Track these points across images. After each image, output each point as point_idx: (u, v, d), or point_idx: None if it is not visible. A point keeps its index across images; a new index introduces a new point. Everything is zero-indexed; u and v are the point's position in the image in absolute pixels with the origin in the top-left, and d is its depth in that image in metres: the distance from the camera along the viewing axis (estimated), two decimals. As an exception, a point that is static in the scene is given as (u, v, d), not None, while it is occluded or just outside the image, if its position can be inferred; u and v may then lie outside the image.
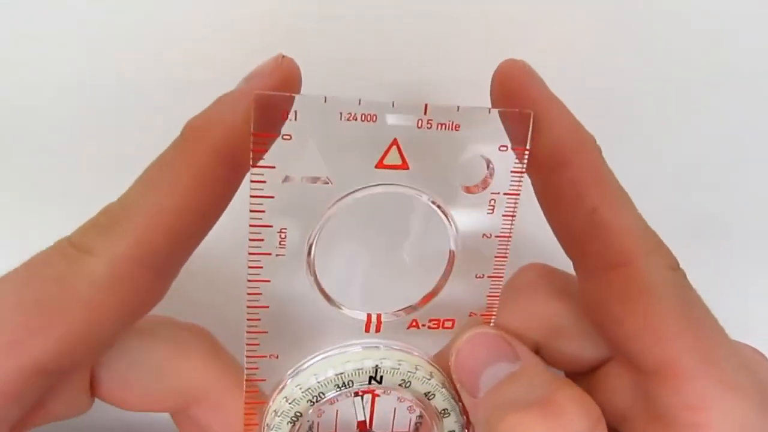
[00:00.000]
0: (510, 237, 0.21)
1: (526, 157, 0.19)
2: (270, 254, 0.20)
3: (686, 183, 0.31)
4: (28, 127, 0.24)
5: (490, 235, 0.20)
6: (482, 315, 0.21)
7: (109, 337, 0.20)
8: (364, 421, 0.22)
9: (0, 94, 0.27)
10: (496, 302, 0.21)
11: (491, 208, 0.20)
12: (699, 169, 0.31)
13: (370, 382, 0.20)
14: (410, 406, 0.22)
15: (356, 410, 0.21)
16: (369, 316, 0.21)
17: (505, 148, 0.19)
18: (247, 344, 0.21)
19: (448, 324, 0.22)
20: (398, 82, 0.27)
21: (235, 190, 0.20)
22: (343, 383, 0.20)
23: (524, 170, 0.20)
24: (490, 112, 0.19)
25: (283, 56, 0.19)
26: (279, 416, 0.21)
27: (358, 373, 0.20)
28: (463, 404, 0.22)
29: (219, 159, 0.19)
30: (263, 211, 0.19)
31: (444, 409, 0.21)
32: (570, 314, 0.23)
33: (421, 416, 0.22)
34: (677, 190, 0.30)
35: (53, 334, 0.18)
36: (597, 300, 0.21)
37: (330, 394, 0.21)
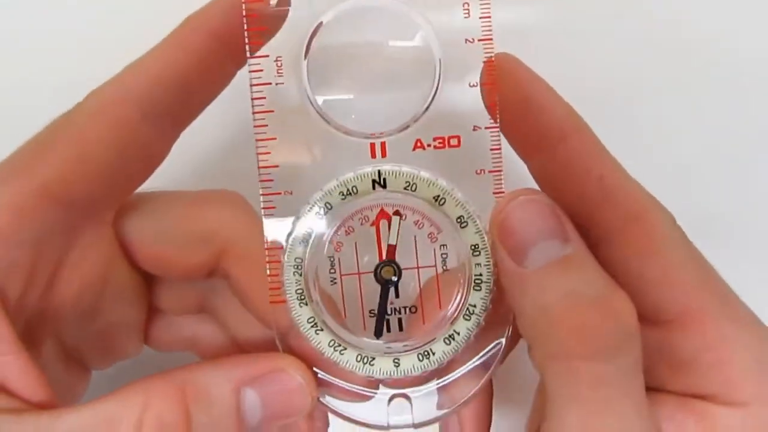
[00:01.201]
0: (492, 40, 0.21)
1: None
2: (270, 83, 0.21)
3: (686, 183, 0.33)
4: (28, 128, 0.27)
5: (473, 40, 0.21)
6: (486, 128, 0.22)
7: (111, 172, 0.22)
8: (390, 246, 0.22)
9: (0, 95, 0.30)
10: (496, 113, 0.22)
11: (466, 11, 0.21)
12: (699, 169, 0.33)
13: (374, 187, 0.21)
14: (431, 233, 0.22)
15: (378, 237, 0.21)
16: (372, 136, 0.22)
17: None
18: (261, 180, 0.22)
19: (453, 141, 0.22)
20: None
21: (230, 64, 0.23)
22: (348, 190, 0.21)
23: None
24: None
25: None
26: (291, 237, 0.21)
27: (361, 178, 0.21)
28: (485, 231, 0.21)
29: (210, 35, 0.22)
30: (261, 43, 0.21)
31: (459, 217, 0.21)
32: None
33: (445, 247, 0.22)
34: (677, 190, 0.31)
35: (54, 157, 0.21)
36: (614, 261, 0.22)
37: (336, 206, 0.21)
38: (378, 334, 0.22)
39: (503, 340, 0.22)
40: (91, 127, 0.22)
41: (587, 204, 0.22)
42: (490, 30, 0.21)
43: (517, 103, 0.22)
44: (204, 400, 0.21)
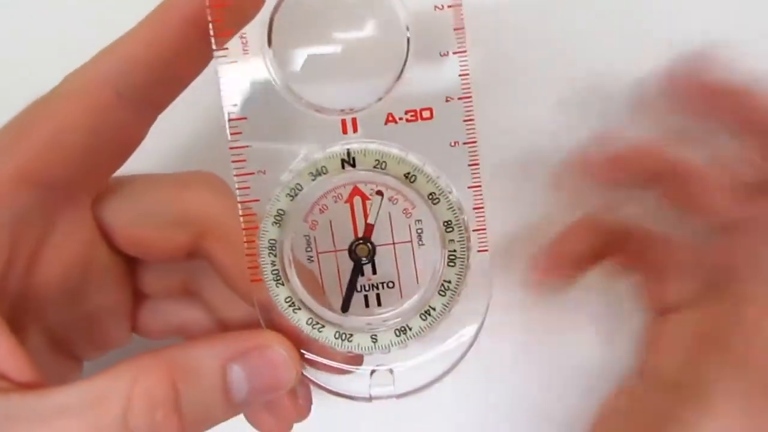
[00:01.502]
0: (461, 6, 0.20)
1: None
2: (236, 61, 0.21)
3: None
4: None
5: (443, 7, 0.21)
6: (459, 98, 0.21)
7: (88, 156, 0.22)
8: (369, 225, 0.22)
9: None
10: (468, 83, 0.21)
11: (434, -23, 0.20)
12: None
13: (343, 167, 0.21)
14: (405, 209, 0.22)
15: (351, 216, 0.21)
16: (343, 112, 0.21)
17: None
18: (233, 161, 0.21)
19: (426, 114, 0.21)
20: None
21: (207, 47, 0.21)
22: (317, 170, 0.21)
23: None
24: None
25: None
26: (264, 218, 0.21)
27: (330, 158, 0.21)
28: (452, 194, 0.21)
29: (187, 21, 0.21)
30: (221, 20, 0.21)
31: (431, 194, 0.21)
32: None
33: (420, 222, 0.22)
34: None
35: (31, 142, 0.21)
36: None
37: (307, 187, 0.21)
38: (345, 309, 0.22)
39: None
40: (68, 111, 0.22)
41: None
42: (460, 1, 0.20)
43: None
44: (192, 376, 0.21)
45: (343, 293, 0.22)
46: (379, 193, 0.22)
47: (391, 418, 0.27)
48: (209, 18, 0.21)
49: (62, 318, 0.24)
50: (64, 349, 0.25)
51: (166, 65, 0.22)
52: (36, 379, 0.21)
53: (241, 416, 0.23)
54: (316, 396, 0.24)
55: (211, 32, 0.21)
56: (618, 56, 0.30)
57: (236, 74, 0.21)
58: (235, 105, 0.21)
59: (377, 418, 0.27)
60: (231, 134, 0.21)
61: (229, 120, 0.21)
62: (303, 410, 0.24)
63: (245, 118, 0.21)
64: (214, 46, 0.21)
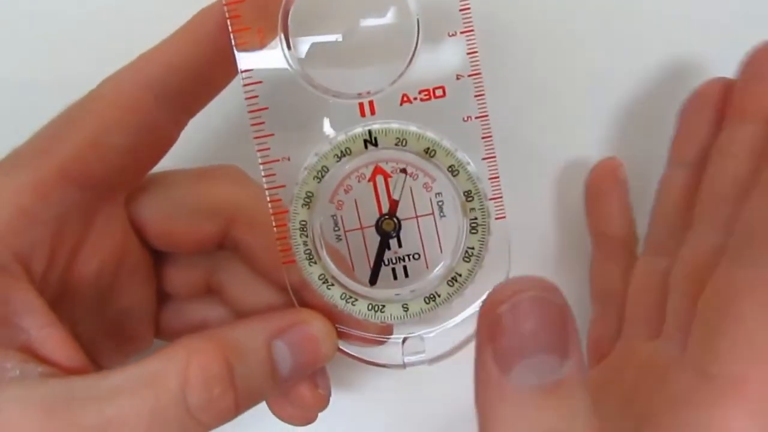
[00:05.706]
0: (467, -11, 0.22)
1: None
2: (255, 54, 0.22)
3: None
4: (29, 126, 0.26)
5: (448, -11, 0.22)
6: (469, 75, 0.22)
7: (126, 155, 0.23)
8: (394, 201, 0.23)
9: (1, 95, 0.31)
10: (477, 60, 0.22)
11: (439, -42, 0.21)
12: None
13: (366, 147, 0.22)
14: (425, 183, 0.23)
15: (376, 193, 0.23)
16: (360, 96, 0.22)
17: None
18: (258, 150, 0.23)
19: (439, 92, 0.22)
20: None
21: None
22: (341, 152, 0.22)
23: None
24: None
25: None
26: (294, 201, 0.22)
27: (353, 139, 0.22)
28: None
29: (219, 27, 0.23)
30: (239, 17, 0.22)
31: (450, 166, 0.22)
32: None
33: (440, 195, 0.23)
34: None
35: (72, 140, 0.22)
36: None
37: (333, 169, 0.22)
38: (373, 281, 0.23)
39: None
40: (108, 112, 0.23)
41: None
42: (465, -20, 0.22)
43: None
44: (241, 353, 0.22)
45: (371, 267, 0.23)
46: (404, 171, 0.23)
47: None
48: (227, 15, 0.22)
49: (91, 320, 0.25)
50: (89, 356, 0.25)
51: (202, 71, 0.23)
52: (86, 364, 0.22)
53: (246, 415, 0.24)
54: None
55: (230, 28, 0.22)
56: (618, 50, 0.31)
57: (256, 66, 0.22)
58: (257, 96, 0.22)
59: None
60: (254, 124, 0.22)
61: (252, 111, 0.22)
62: (323, 399, 0.25)
63: (267, 108, 0.22)
64: (233, 42, 0.22)
